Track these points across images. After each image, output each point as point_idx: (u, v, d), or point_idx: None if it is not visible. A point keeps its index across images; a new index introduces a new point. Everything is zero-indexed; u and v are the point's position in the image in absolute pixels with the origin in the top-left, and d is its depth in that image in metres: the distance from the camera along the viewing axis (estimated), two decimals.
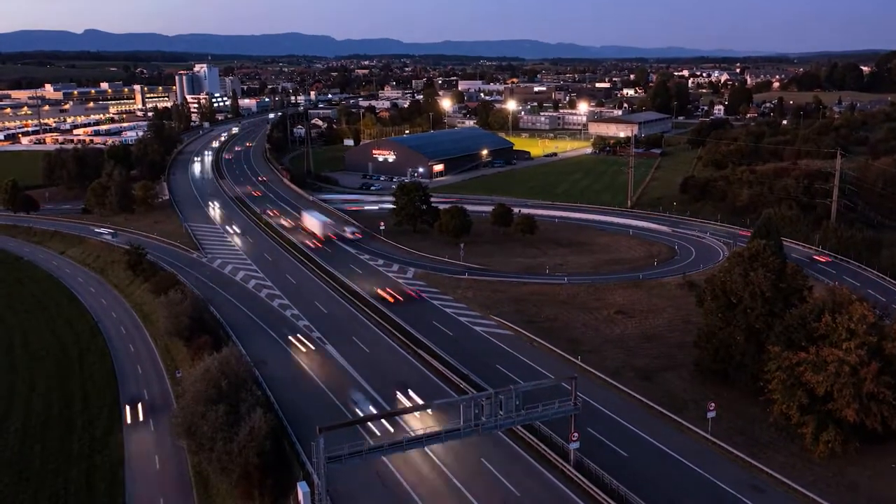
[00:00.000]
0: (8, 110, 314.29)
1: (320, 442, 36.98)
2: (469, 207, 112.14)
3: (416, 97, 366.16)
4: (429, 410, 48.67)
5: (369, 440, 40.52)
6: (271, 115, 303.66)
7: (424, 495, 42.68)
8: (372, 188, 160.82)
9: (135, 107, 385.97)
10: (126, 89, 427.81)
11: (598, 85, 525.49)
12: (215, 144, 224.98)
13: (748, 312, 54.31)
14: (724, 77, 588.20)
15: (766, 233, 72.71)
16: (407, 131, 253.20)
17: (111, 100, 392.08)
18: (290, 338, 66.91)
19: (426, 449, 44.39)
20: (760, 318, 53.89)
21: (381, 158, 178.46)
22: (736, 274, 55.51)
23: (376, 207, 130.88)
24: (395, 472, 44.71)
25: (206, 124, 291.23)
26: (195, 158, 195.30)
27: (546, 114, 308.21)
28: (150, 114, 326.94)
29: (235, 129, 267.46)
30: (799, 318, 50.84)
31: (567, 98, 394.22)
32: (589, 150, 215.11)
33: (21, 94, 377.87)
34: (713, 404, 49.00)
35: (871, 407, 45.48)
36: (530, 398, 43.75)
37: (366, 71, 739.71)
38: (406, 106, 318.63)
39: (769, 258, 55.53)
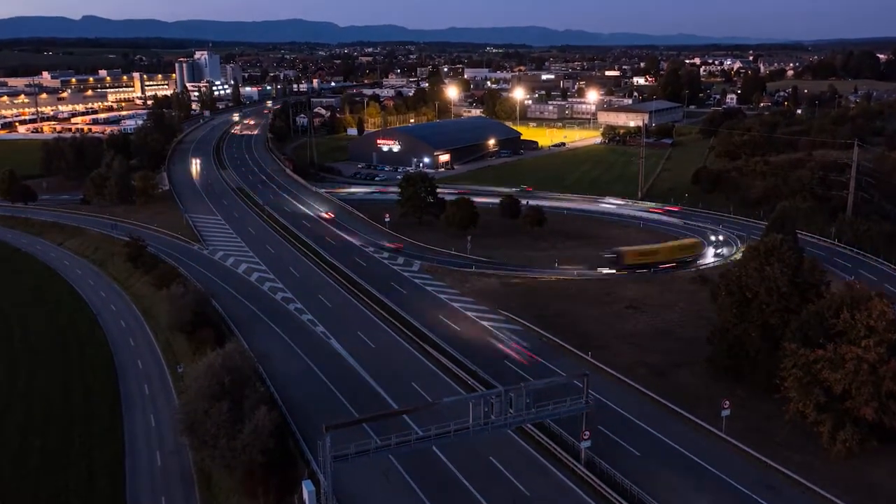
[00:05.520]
0: (4, 98, 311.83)
1: (327, 440, 36.31)
2: (476, 199, 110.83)
3: (421, 85, 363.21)
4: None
5: (376, 438, 39.67)
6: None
7: (432, 495, 41.72)
8: (376, 178, 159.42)
9: (134, 95, 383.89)
10: (125, 77, 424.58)
11: (607, 73, 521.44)
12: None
13: (763, 308, 53.25)
14: (737, 65, 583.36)
15: (781, 226, 71.23)
16: (412, 120, 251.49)
17: (110, 88, 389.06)
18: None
19: (434, 447, 43.44)
20: (776, 314, 52.83)
21: (385, 148, 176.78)
22: (751, 268, 54.40)
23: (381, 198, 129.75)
24: (402, 471, 43.79)
25: (207, 113, 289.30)
26: (196, 148, 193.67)
27: (554, 102, 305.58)
28: (149, 102, 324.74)
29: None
30: (816, 314, 49.69)
31: (576, 86, 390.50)
32: (598, 140, 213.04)
33: (18, 82, 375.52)
34: (727, 402, 47.99)
35: (889, 405, 44.62)
36: (541, 395, 42.84)
37: (369, 58, 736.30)
38: (411, 94, 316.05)
39: (785, 252, 54.30)
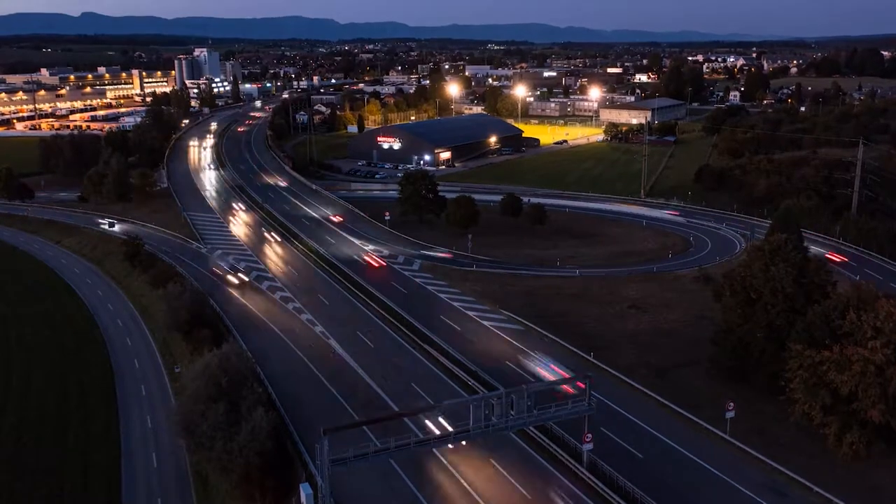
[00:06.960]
0: (3, 95, 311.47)
1: (324, 444, 35.57)
2: (477, 197, 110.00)
3: (422, 82, 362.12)
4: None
5: (375, 441, 39.03)
6: None
7: (432, 498, 41.10)
8: (376, 176, 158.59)
9: (133, 92, 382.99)
10: (124, 74, 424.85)
11: (609, 70, 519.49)
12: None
13: (768, 309, 52.54)
14: (740, 62, 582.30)
15: (785, 225, 70.43)
16: (413, 117, 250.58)
17: (109, 85, 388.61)
18: None
19: (434, 450, 42.80)
20: (781, 314, 52.13)
21: (385, 146, 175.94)
22: (756, 268, 53.72)
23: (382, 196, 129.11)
24: (402, 474, 43.13)
25: (206, 110, 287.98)
26: (194, 145, 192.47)
27: (556, 100, 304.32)
28: (148, 99, 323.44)
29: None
30: (822, 315, 49.03)
31: (578, 84, 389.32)
32: (600, 138, 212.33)
33: (16, 79, 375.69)
34: (732, 403, 47.32)
35: None
36: (542, 397, 42.16)
37: (370, 55, 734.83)
38: (412, 91, 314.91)
39: (790, 252, 53.58)
